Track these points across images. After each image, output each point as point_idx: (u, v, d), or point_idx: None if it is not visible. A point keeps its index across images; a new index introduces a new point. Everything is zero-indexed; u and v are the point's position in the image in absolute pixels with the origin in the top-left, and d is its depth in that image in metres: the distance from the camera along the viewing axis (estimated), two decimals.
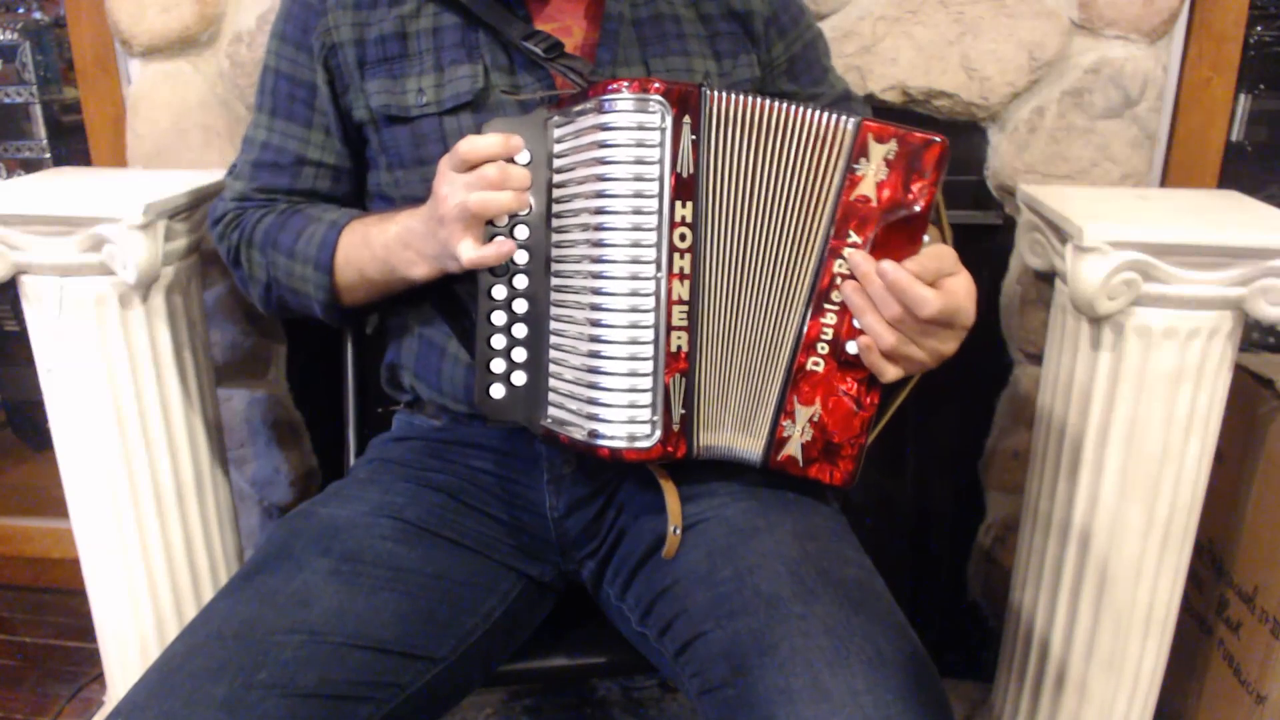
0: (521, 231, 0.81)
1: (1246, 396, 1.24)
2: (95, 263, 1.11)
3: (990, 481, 1.49)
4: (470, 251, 0.80)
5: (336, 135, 0.98)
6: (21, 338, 1.91)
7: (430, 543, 0.91)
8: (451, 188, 0.80)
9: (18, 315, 1.89)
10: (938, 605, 1.56)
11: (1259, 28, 1.37)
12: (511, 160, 0.80)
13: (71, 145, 1.77)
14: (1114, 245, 1.03)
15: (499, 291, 0.83)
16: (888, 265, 0.76)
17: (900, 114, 1.32)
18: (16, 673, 1.65)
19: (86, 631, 1.35)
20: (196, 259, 1.26)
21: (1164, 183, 1.38)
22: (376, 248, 0.91)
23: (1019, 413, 1.42)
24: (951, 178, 0.83)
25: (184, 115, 1.37)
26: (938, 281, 0.76)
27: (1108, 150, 1.29)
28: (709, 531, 0.87)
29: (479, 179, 0.79)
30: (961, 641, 1.56)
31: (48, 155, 1.79)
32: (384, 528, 0.90)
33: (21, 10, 1.72)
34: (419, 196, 0.92)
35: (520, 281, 0.82)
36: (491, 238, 0.81)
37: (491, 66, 0.92)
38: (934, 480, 1.51)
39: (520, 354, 0.84)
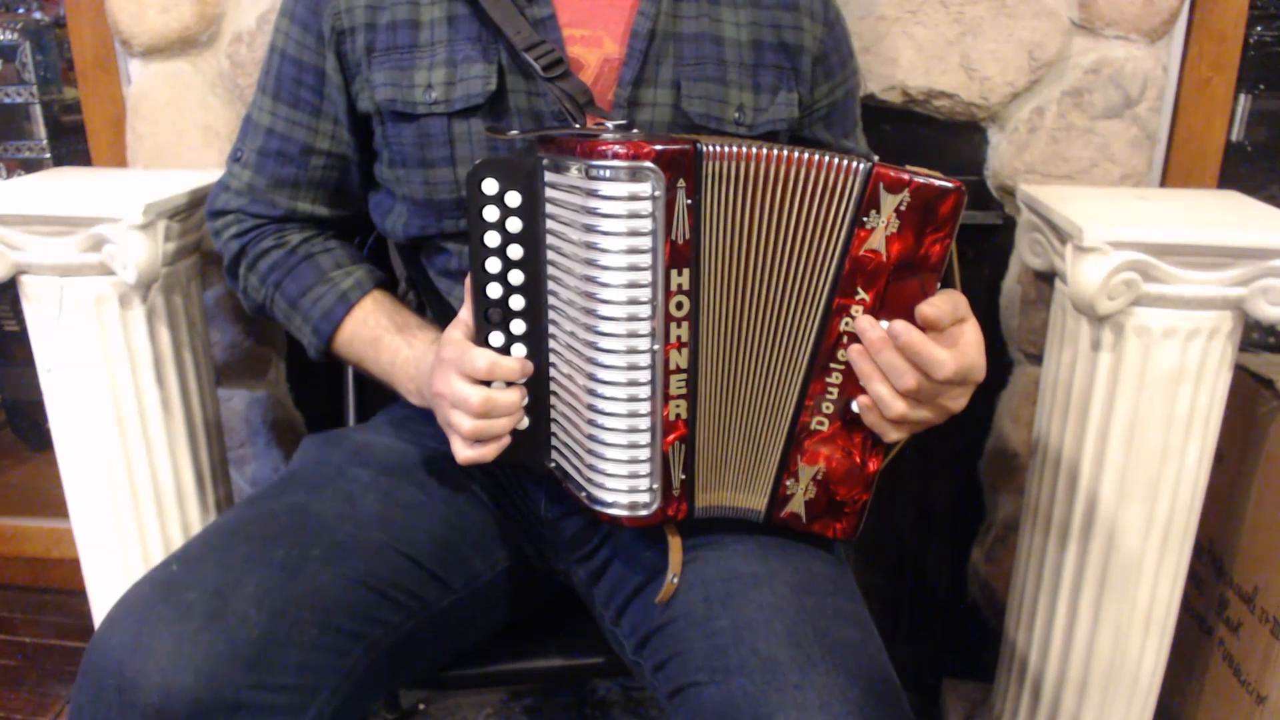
0: (516, 276, 0.78)
1: (1246, 396, 1.24)
2: (95, 263, 1.11)
3: (990, 481, 1.48)
4: (465, 453, 0.80)
5: (345, 125, 0.94)
6: (21, 338, 1.91)
7: (453, 482, 0.93)
8: (456, 397, 0.78)
9: (18, 315, 1.89)
10: (938, 605, 1.56)
11: (1259, 28, 1.36)
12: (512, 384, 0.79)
13: (71, 145, 1.76)
14: (1114, 245, 1.03)
15: (496, 338, 0.80)
16: (900, 327, 0.72)
17: (900, 114, 1.32)
18: (16, 673, 1.65)
19: (86, 631, 1.35)
20: (196, 259, 1.26)
21: (1164, 183, 1.37)
22: (384, 361, 0.93)
23: (1019, 413, 1.42)
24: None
25: (184, 115, 1.37)
26: (951, 329, 0.73)
27: (1108, 150, 1.29)
28: (706, 573, 0.85)
29: (481, 409, 0.78)
30: (961, 641, 1.56)
31: (48, 155, 1.78)
32: (414, 454, 0.93)
33: (21, 10, 1.72)
34: (419, 199, 0.91)
35: (518, 327, 0.80)
36: (486, 315, 0.79)
37: (508, 69, 0.87)
38: (934, 480, 1.51)
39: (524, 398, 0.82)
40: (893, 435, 0.77)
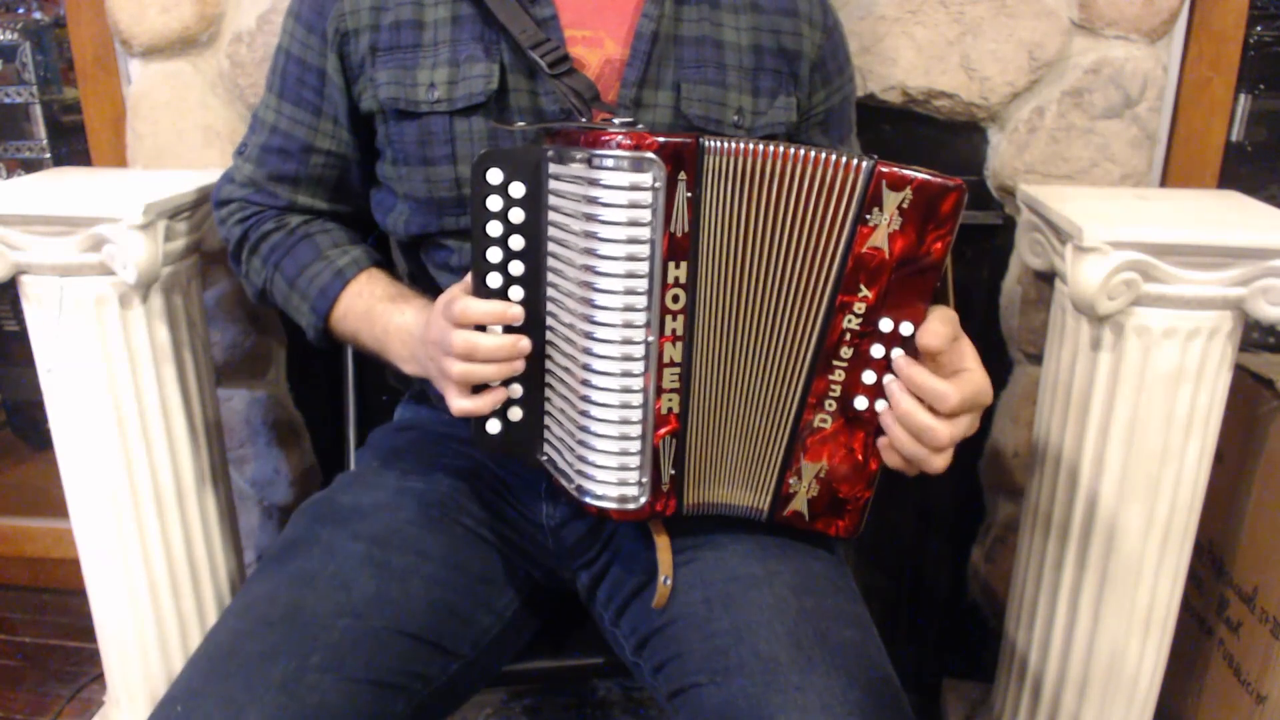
0: (517, 267, 0.78)
1: (1246, 396, 1.24)
2: (95, 263, 1.11)
3: (990, 481, 1.49)
4: (458, 402, 0.79)
5: (345, 125, 0.95)
6: (21, 338, 1.91)
7: (449, 529, 0.91)
8: (446, 341, 0.78)
9: (18, 315, 1.89)
10: (938, 605, 1.56)
11: (1259, 28, 1.36)
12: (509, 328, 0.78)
13: (71, 145, 1.76)
14: (1114, 245, 1.03)
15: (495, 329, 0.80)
16: (901, 362, 0.73)
17: (900, 114, 1.32)
18: (16, 673, 1.65)
19: (86, 631, 1.35)
20: (196, 259, 1.26)
21: (1164, 183, 1.38)
22: (377, 329, 0.92)
23: (1019, 413, 1.42)
24: None
25: (184, 115, 1.37)
26: (951, 354, 0.73)
27: (1108, 150, 1.29)
28: (706, 573, 0.84)
29: (472, 350, 0.77)
30: (961, 641, 1.56)
31: (48, 155, 1.78)
32: (408, 511, 0.90)
33: (21, 10, 1.72)
34: (420, 197, 0.92)
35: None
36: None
37: (510, 68, 0.88)
38: (934, 480, 1.50)
39: (516, 389, 0.81)
40: (938, 462, 0.76)
